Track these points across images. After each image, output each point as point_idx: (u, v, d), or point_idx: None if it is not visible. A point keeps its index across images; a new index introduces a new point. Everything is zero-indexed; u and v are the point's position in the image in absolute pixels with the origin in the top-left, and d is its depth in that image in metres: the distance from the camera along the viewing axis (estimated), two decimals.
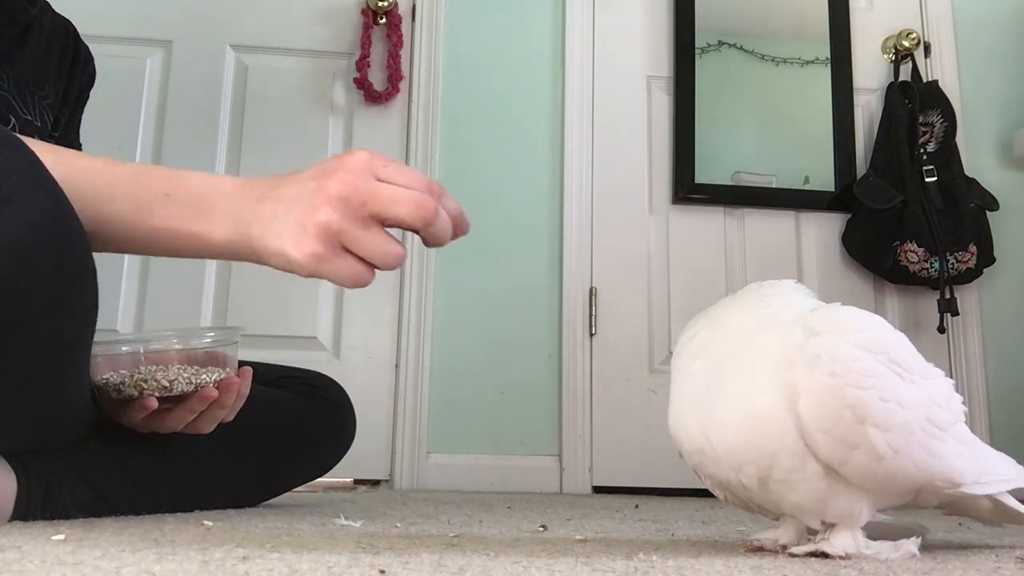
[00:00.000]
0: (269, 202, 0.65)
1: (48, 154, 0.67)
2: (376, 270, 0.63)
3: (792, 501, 0.61)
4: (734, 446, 0.60)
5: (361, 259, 0.63)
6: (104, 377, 0.83)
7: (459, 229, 0.66)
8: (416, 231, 0.63)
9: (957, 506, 0.69)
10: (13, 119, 0.98)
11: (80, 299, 0.68)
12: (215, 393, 0.85)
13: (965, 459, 0.62)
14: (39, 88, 1.06)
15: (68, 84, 1.12)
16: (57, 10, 1.14)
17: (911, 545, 0.62)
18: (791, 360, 0.59)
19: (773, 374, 0.59)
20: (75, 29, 1.15)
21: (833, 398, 0.57)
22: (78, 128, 1.19)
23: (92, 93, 1.19)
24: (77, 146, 1.19)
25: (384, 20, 2.13)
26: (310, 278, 0.64)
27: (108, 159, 0.70)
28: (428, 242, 0.65)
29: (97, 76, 1.18)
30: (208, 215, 0.67)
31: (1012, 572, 0.59)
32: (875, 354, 0.59)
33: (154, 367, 0.84)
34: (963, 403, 0.66)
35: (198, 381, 0.84)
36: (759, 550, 0.66)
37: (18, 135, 0.65)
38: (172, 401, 0.85)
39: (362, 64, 2.10)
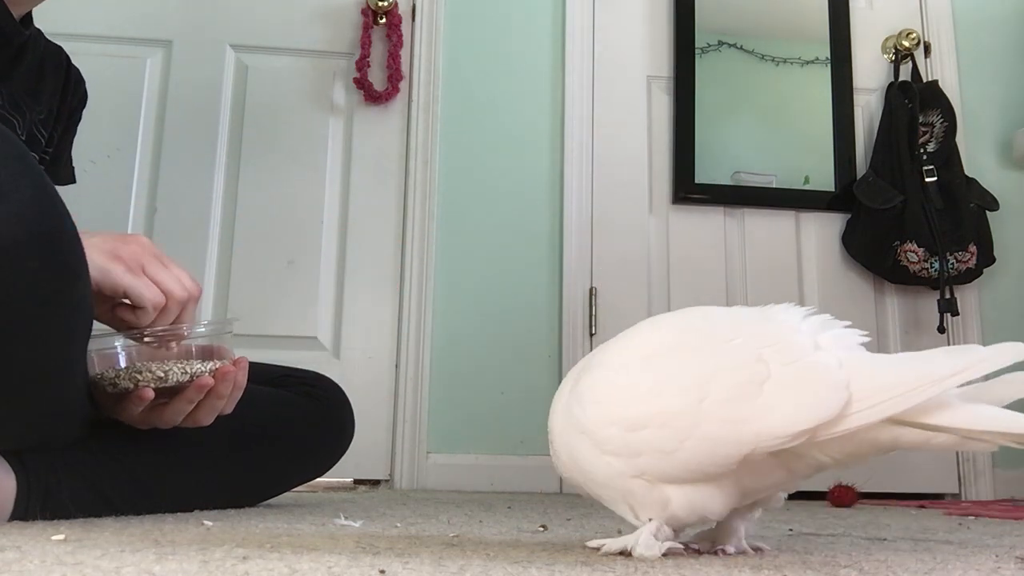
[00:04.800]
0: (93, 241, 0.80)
1: None
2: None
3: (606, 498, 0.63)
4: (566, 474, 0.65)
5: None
6: (99, 372, 0.83)
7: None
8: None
9: (851, 451, 0.58)
10: None
11: (73, 292, 0.68)
12: (211, 381, 0.85)
13: (799, 404, 0.54)
14: (36, 103, 1.08)
15: (61, 103, 1.15)
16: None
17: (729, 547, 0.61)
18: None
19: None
20: (67, 55, 1.18)
21: (603, 422, 0.60)
22: (70, 148, 1.21)
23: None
24: (68, 164, 1.21)
25: (384, 20, 2.13)
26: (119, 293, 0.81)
27: None
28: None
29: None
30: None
31: (1012, 572, 0.59)
32: (643, 361, 0.61)
33: (148, 361, 0.84)
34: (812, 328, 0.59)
35: (192, 371, 0.84)
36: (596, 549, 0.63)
37: (3, 127, 0.65)
38: (169, 393, 0.85)
39: (362, 64, 2.09)
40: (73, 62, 1.18)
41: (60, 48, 1.17)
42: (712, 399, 0.56)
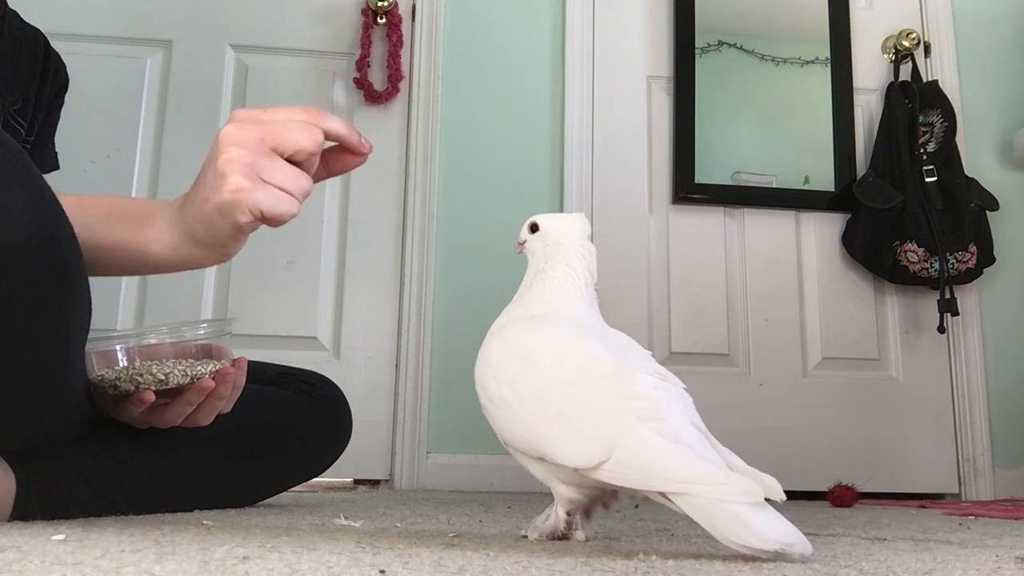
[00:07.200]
0: (188, 196, 0.73)
1: None
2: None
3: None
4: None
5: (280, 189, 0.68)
6: (99, 374, 0.83)
7: (354, 146, 0.73)
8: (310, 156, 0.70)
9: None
10: None
11: (70, 294, 0.67)
12: (212, 384, 0.85)
13: (570, 445, 0.66)
14: (10, 94, 1.06)
15: (40, 89, 1.12)
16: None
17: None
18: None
19: None
20: (45, 38, 1.15)
21: (478, 371, 0.77)
22: (54, 132, 1.18)
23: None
24: (52, 150, 1.19)
25: (384, 20, 2.13)
26: (251, 231, 0.71)
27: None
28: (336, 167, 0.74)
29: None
30: (149, 228, 0.76)
31: (1012, 572, 0.59)
32: (511, 351, 0.75)
33: (149, 362, 0.83)
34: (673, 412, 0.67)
35: (193, 373, 0.84)
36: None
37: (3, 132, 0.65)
38: (169, 395, 0.85)
39: (362, 64, 2.10)
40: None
41: (37, 31, 1.14)
42: (540, 404, 0.69)
